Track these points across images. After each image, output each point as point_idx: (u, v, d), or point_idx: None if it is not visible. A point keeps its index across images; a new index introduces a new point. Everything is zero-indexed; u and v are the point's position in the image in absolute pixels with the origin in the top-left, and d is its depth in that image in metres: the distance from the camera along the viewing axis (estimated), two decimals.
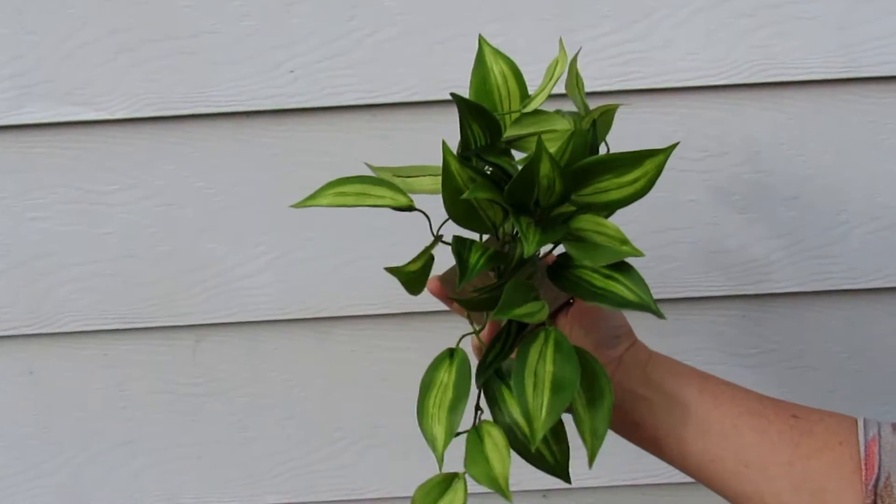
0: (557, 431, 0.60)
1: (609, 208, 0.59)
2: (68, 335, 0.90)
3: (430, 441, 0.58)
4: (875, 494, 0.56)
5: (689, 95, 0.84)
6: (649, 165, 0.57)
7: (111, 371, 0.92)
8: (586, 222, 0.59)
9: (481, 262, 0.57)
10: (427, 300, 0.88)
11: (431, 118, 0.84)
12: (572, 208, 0.59)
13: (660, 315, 0.55)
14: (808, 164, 0.85)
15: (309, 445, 0.94)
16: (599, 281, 0.58)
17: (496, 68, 0.65)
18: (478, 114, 0.59)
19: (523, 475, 0.94)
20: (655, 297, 0.87)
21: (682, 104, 0.84)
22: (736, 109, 0.84)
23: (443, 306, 0.88)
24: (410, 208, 0.61)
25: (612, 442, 0.92)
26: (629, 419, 0.65)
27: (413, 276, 0.61)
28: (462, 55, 0.83)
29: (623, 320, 0.67)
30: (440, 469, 0.57)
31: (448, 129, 0.81)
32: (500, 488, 0.56)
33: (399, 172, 0.65)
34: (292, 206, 0.62)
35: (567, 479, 0.61)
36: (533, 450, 0.55)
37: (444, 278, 0.68)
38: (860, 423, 0.59)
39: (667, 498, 0.96)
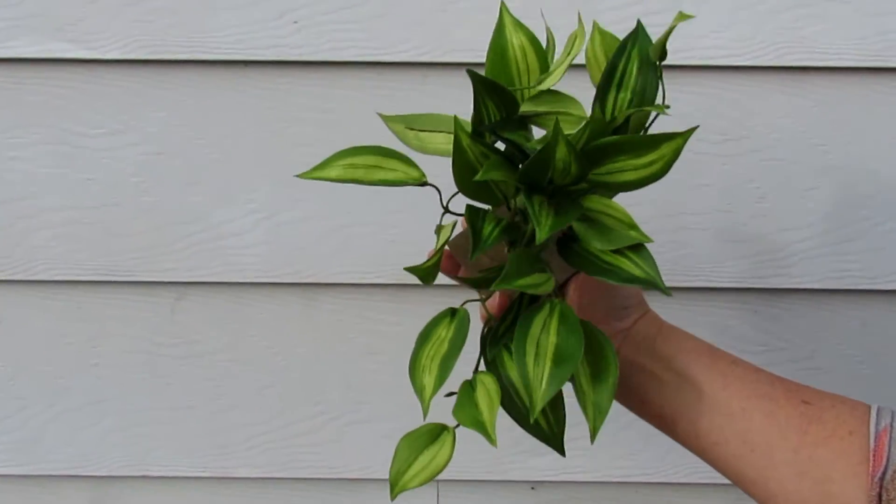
0: (555, 401, 0.61)
1: (623, 189, 0.60)
2: (41, 283, 0.91)
3: (419, 391, 0.59)
4: (881, 486, 0.57)
5: (711, 74, 0.84)
6: (666, 149, 0.58)
7: (84, 325, 0.92)
8: (596, 203, 0.60)
9: (495, 233, 0.58)
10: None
11: (440, 80, 0.85)
12: (585, 185, 0.60)
13: (666, 292, 0.56)
14: (830, 153, 0.86)
15: (287, 418, 0.95)
16: (608, 256, 0.59)
17: (515, 41, 0.65)
18: (493, 91, 0.59)
19: (513, 464, 0.95)
20: (666, 283, 0.88)
21: (703, 83, 0.85)
22: (758, 92, 0.85)
23: (438, 279, 0.90)
24: (423, 183, 0.63)
25: (606, 436, 0.93)
26: (635, 394, 0.66)
27: (430, 270, 0.63)
28: (477, 16, 0.84)
29: (634, 290, 0.68)
30: (424, 419, 0.59)
31: (457, 94, 0.83)
32: (485, 432, 0.58)
33: (412, 124, 0.66)
34: (298, 175, 0.63)
35: (562, 450, 0.62)
36: (532, 422, 0.56)
37: (455, 243, 0.69)
38: (873, 412, 0.60)
39: (659, 496, 0.97)
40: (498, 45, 0.65)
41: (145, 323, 0.92)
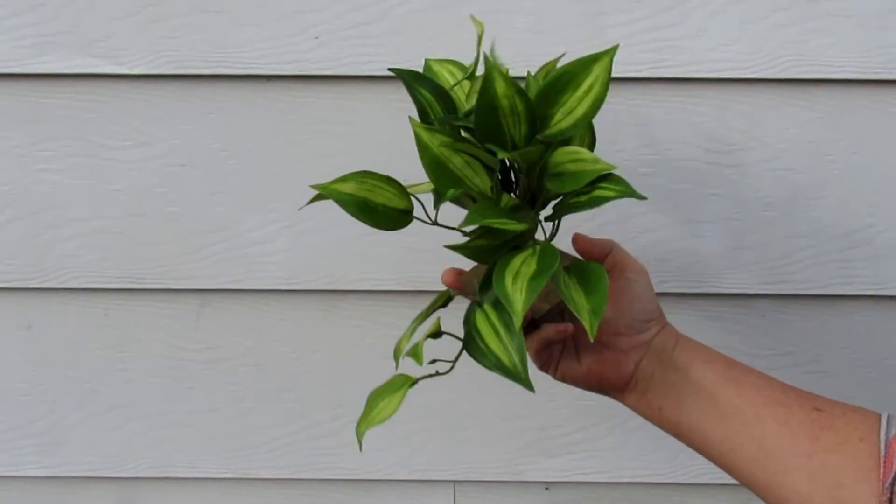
0: (510, 328, 0.63)
1: (578, 127, 0.65)
2: (70, 291, 0.94)
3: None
4: (892, 492, 0.59)
5: (720, 87, 0.87)
6: (598, 69, 0.65)
7: (111, 331, 0.95)
8: (561, 155, 0.65)
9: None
10: (437, 279, 0.92)
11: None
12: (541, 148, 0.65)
13: (641, 197, 0.61)
14: (836, 163, 0.88)
15: (307, 420, 0.97)
16: (584, 194, 0.64)
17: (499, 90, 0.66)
18: (422, 80, 0.67)
19: (528, 464, 0.98)
20: (673, 290, 0.91)
21: (712, 95, 0.87)
22: (766, 104, 0.87)
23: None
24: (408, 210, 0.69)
25: (618, 438, 0.96)
26: (654, 403, 0.69)
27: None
28: (492, 31, 0.86)
29: (654, 304, 0.71)
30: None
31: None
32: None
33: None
34: (314, 185, 0.66)
35: (529, 386, 0.62)
36: (518, 328, 0.60)
37: (465, 280, 0.72)
38: (884, 420, 0.62)
39: (670, 496, 0.99)
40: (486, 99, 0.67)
41: (170, 329, 0.95)
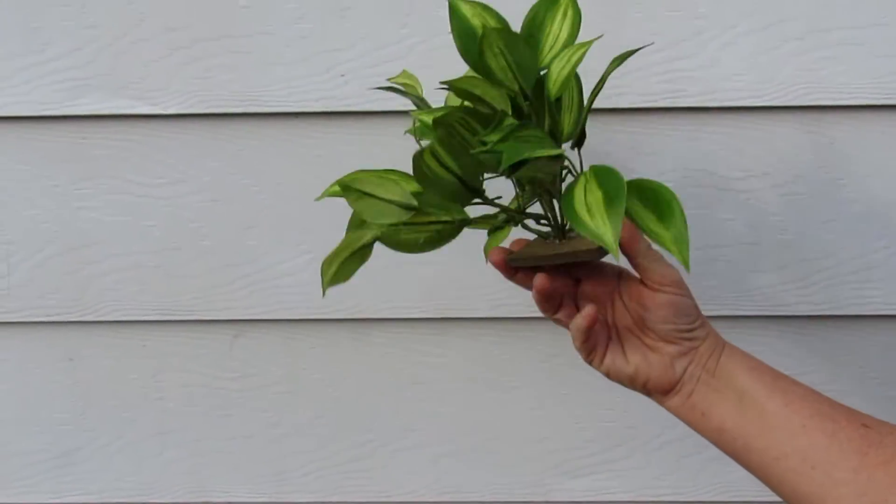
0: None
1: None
2: (109, 324, 0.98)
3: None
4: None
5: (734, 115, 0.90)
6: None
7: (149, 361, 0.99)
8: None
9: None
10: (463, 306, 0.95)
11: None
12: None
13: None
14: (849, 187, 0.91)
15: (339, 445, 1.01)
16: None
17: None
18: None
19: (554, 485, 1.00)
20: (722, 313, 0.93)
21: (727, 123, 0.90)
22: (779, 131, 0.90)
23: (480, 312, 0.95)
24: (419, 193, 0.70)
25: (640, 458, 0.99)
26: (698, 407, 0.70)
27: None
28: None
29: (696, 312, 0.72)
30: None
31: None
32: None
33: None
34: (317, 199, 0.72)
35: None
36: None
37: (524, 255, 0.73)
38: None
39: None
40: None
41: (205, 358, 0.99)
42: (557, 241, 0.72)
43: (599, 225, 0.61)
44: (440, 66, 0.89)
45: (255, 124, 0.92)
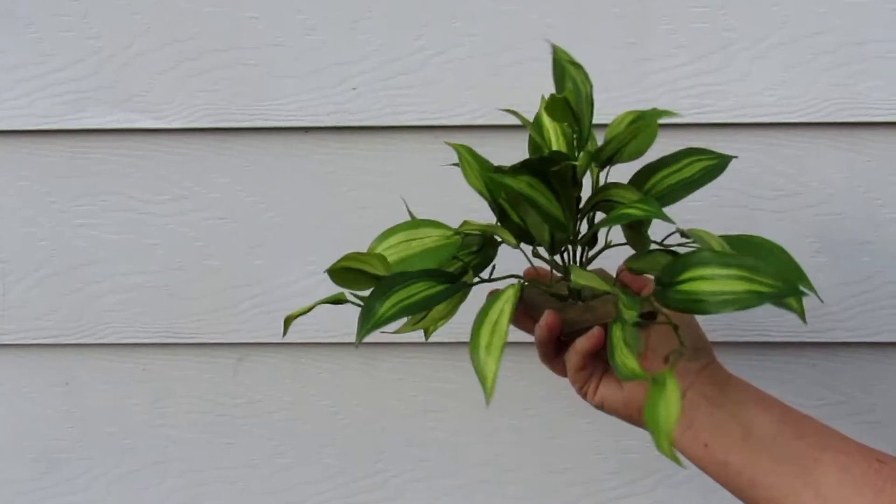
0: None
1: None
2: (108, 346, 0.94)
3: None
4: None
5: (765, 131, 0.87)
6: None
7: (149, 386, 0.95)
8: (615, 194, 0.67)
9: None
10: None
11: (495, 142, 0.88)
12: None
13: (665, 218, 0.62)
14: (885, 207, 0.87)
15: (348, 476, 0.97)
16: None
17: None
18: None
19: None
20: (720, 339, 0.90)
21: (757, 140, 0.87)
22: (812, 148, 0.87)
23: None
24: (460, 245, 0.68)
25: (664, 490, 0.95)
26: (700, 438, 0.67)
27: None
28: (530, 79, 0.87)
29: (700, 334, 0.70)
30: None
31: (510, 154, 0.85)
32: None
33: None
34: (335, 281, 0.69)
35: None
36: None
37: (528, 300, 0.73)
38: None
39: None
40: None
41: (208, 383, 0.95)
42: (580, 303, 0.71)
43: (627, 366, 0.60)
44: (455, 79, 0.87)
45: (264, 139, 0.89)
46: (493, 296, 0.65)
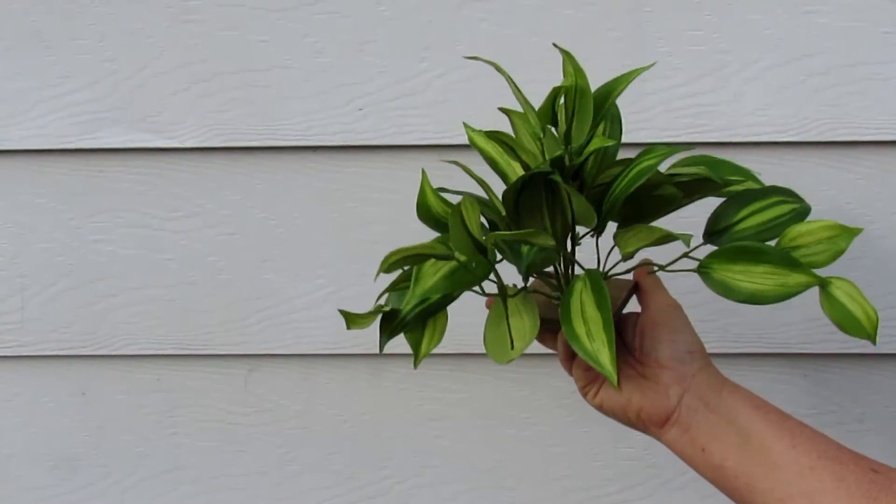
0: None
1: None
2: (123, 358, 0.98)
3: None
4: None
5: (757, 150, 0.90)
6: None
7: (163, 396, 0.99)
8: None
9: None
10: (481, 342, 0.95)
11: None
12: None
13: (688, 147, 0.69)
14: (875, 224, 0.90)
15: (355, 482, 1.00)
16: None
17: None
18: None
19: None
20: (714, 350, 0.93)
21: (750, 159, 0.89)
22: (803, 167, 0.90)
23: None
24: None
25: (662, 497, 0.98)
26: (697, 442, 0.68)
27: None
28: (531, 100, 0.90)
29: (694, 337, 0.71)
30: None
31: None
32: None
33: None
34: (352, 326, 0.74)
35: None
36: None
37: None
38: None
39: None
40: None
41: (220, 394, 0.99)
42: None
43: (596, 351, 0.65)
44: (458, 100, 0.90)
45: (273, 158, 0.93)
46: (567, 289, 0.68)
